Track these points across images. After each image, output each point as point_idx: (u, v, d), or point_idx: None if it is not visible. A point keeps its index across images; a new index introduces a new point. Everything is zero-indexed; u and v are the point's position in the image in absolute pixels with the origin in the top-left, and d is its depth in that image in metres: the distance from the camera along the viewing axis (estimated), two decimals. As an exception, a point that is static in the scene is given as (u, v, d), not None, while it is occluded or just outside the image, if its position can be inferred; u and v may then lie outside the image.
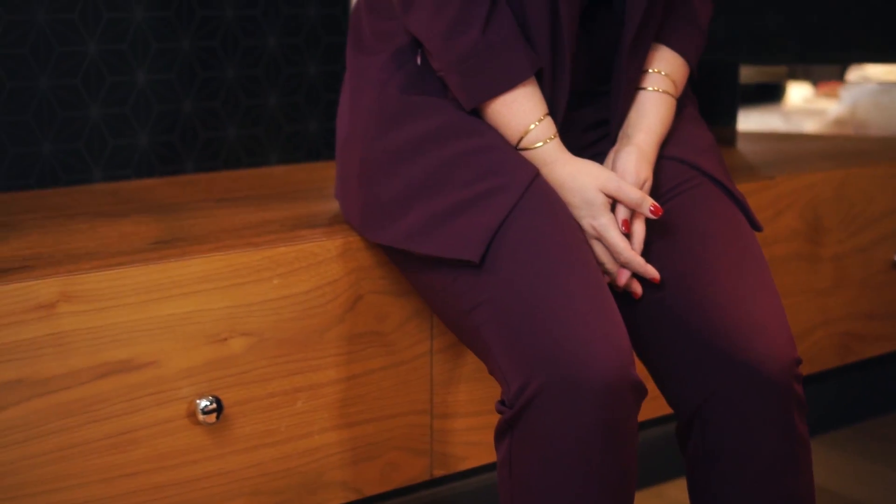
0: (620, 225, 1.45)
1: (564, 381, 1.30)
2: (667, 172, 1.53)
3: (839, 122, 2.94)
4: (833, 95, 2.66)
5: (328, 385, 1.58)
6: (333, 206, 1.75)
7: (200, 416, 1.46)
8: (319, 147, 2.09)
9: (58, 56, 1.81)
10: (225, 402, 1.49)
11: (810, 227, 2.08)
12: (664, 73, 1.55)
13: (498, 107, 1.46)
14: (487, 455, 1.73)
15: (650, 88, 1.54)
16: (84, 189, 1.84)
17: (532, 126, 1.46)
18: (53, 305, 1.37)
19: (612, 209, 1.46)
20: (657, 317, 1.47)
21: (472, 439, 1.72)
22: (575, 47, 1.49)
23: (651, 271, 1.45)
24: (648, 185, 1.48)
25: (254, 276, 1.50)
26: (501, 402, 1.37)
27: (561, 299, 1.34)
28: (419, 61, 1.51)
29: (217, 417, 1.47)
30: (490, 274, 1.38)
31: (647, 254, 1.48)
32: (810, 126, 2.72)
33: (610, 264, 1.46)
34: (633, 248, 1.45)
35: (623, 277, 1.45)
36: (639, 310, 1.49)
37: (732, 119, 2.38)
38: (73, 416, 1.39)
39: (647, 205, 1.44)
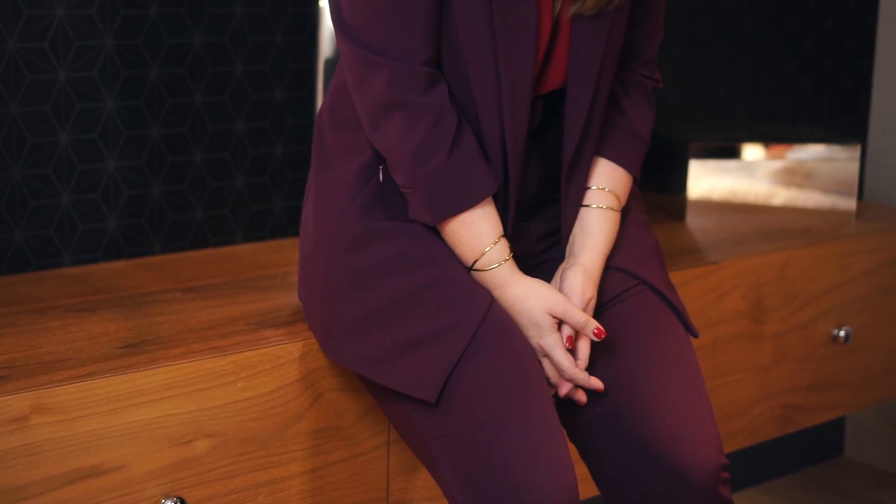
0: (565, 341, 1.53)
1: None
2: (610, 282, 1.61)
3: (788, 170, 3.06)
4: (781, 157, 2.77)
5: (289, 479, 1.65)
6: (296, 298, 1.82)
7: (165, 516, 1.54)
8: (285, 224, 2.16)
9: (30, 147, 1.87)
10: (189, 501, 1.56)
11: (753, 308, 2.17)
12: (607, 189, 1.62)
13: (457, 226, 1.52)
14: (440, 538, 1.82)
15: (594, 206, 1.61)
16: (54, 274, 1.90)
17: (488, 248, 1.53)
18: (26, 418, 1.44)
19: (561, 324, 1.54)
20: (595, 421, 1.55)
21: (425, 524, 1.80)
22: (522, 165, 1.56)
23: (595, 383, 1.53)
24: (593, 303, 1.56)
25: (219, 380, 1.58)
26: None
27: (513, 440, 1.41)
28: (381, 177, 1.57)
29: (181, 517, 1.55)
30: (445, 412, 1.45)
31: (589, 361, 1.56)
32: (762, 171, 2.82)
33: (555, 378, 1.54)
34: (578, 364, 1.54)
35: (564, 389, 1.54)
36: (578, 413, 1.57)
37: (682, 190, 2.47)
38: (45, 520, 1.46)
39: (591, 328, 1.52)
